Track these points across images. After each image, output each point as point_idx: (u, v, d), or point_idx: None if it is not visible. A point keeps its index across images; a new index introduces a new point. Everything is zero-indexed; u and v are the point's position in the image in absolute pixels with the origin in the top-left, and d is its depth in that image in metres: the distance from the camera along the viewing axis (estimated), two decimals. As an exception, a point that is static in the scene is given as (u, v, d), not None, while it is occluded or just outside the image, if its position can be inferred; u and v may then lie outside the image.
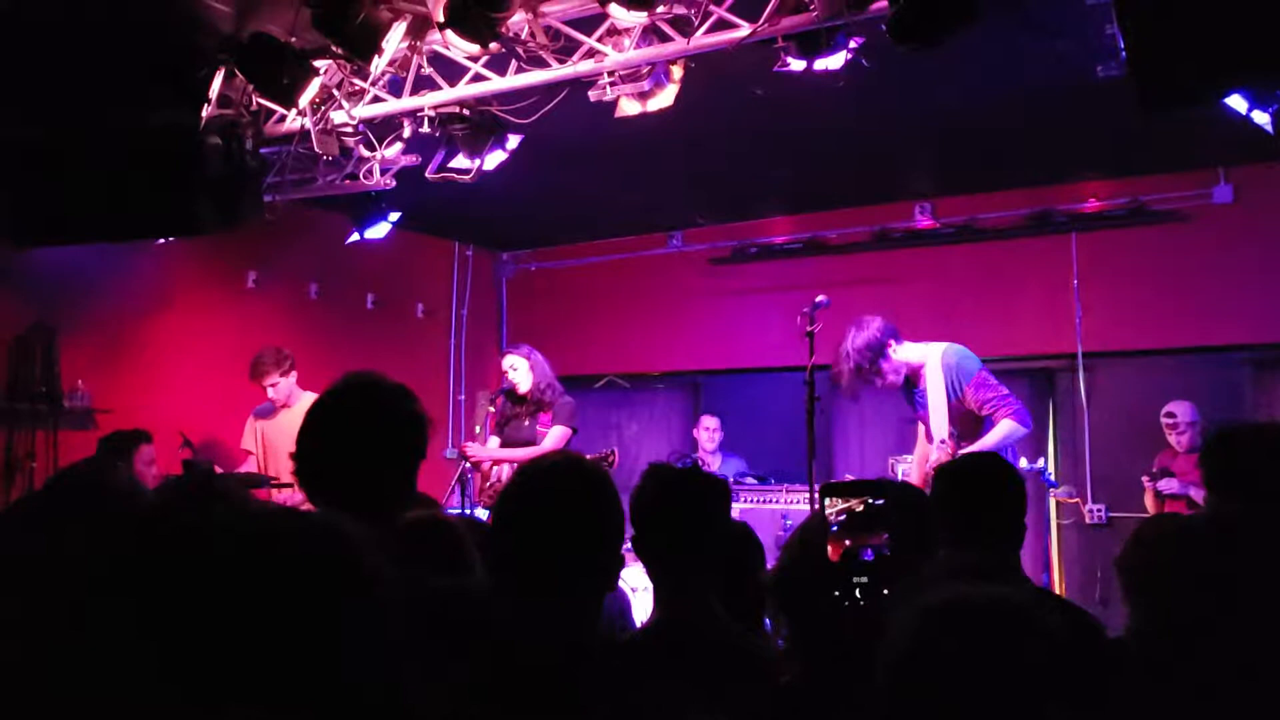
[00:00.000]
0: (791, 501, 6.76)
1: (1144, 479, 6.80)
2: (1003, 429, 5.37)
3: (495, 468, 6.62)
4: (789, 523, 6.68)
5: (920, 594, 1.45)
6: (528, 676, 1.80)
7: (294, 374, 6.68)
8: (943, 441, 5.44)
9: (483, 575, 2.33)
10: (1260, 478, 2.45)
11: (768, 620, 3.10)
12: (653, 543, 2.50)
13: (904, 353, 5.70)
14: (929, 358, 5.64)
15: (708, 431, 8.34)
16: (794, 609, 2.07)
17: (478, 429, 7.00)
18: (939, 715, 1.31)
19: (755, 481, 7.37)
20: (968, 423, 5.54)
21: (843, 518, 1.89)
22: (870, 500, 1.90)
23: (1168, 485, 6.67)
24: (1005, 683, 1.29)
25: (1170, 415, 6.88)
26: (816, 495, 2.16)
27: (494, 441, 6.73)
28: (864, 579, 1.85)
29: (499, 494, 2.10)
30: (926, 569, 2.50)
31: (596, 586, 2.05)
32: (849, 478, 7.43)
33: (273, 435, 6.67)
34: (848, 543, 1.86)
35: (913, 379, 5.73)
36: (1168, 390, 7.12)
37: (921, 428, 5.87)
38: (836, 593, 1.85)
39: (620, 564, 2.08)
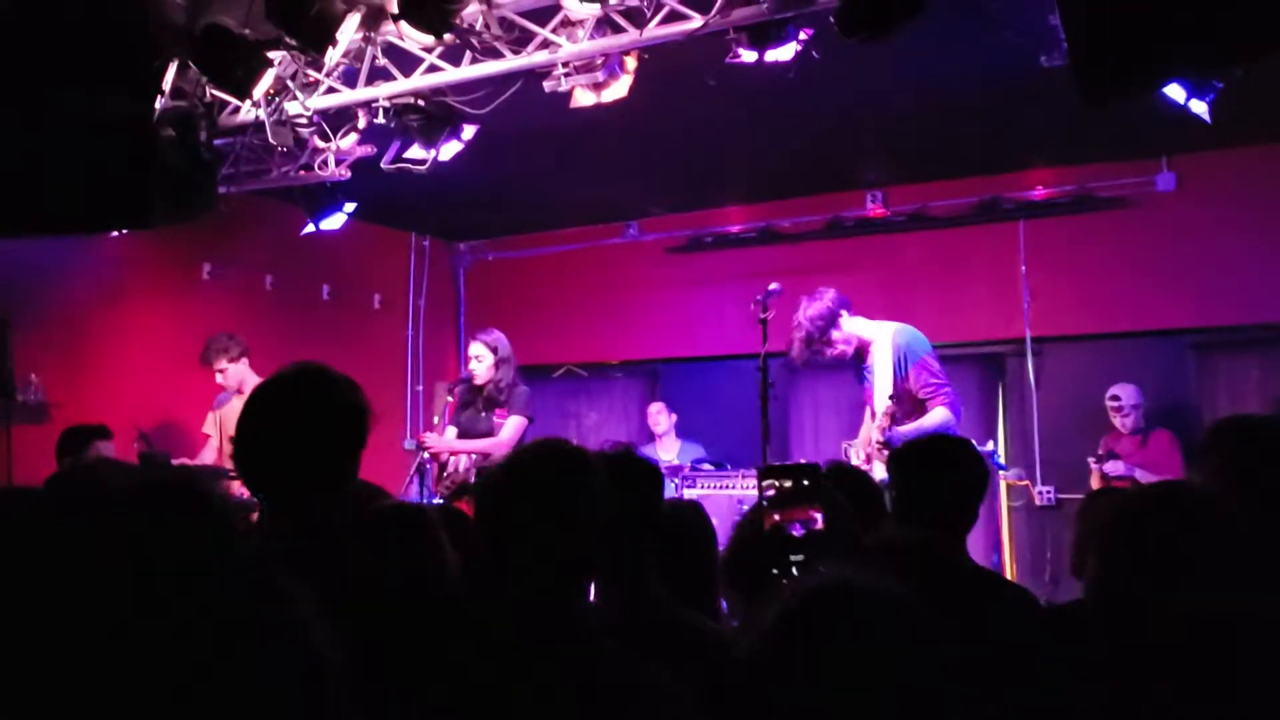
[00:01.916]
0: (748, 487, 6.82)
1: (1090, 461, 6.95)
2: (937, 416, 5.49)
3: (453, 458, 6.64)
4: (745, 508, 6.75)
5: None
6: (523, 669, 1.81)
7: (244, 360, 6.66)
8: (883, 414, 5.53)
9: (453, 562, 2.34)
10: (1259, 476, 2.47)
11: (724, 601, 3.15)
12: None
13: (855, 326, 5.78)
14: (879, 335, 5.74)
15: (653, 416, 8.45)
16: (744, 586, 2.11)
17: (436, 419, 7.00)
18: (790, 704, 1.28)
19: (712, 467, 7.43)
20: (908, 404, 5.66)
21: (770, 494, 1.94)
22: (799, 479, 1.95)
23: (1114, 468, 6.82)
24: (864, 672, 1.25)
25: (1115, 398, 7.03)
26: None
27: (451, 432, 6.74)
28: (799, 557, 1.90)
29: (487, 485, 2.05)
30: (868, 544, 2.56)
31: (588, 573, 2.07)
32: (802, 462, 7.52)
33: (229, 422, 6.66)
34: (776, 518, 1.92)
35: (861, 354, 5.83)
36: (1114, 373, 7.28)
37: (868, 410, 5.98)
38: (774, 570, 1.90)
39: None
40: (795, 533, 1.91)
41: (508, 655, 1.83)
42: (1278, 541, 1.91)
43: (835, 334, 5.71)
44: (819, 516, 1.91)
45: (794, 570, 1.88)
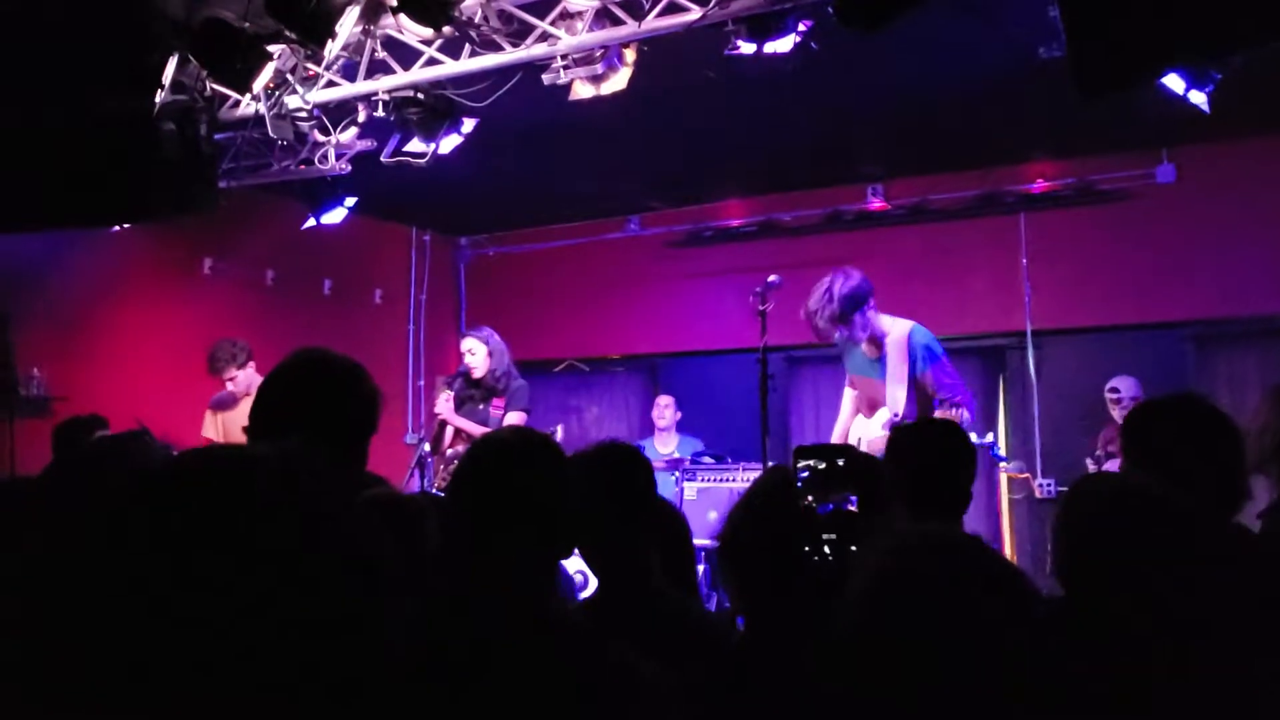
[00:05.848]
0: (748, 480, 6.84)
1: (1088, 462, 6.95)
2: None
3: (451, 451, 6.64)
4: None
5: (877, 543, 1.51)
6: (485, 647, 1.83)
7: (251, 364, 6.65)
8: (895, 415, 5.52)
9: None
10: (1172, 455, 2.50)
11: (707, 587, 3.15)
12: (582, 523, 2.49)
13: (876, 316, 5.75)
14: (895, 330, 5.67)
15: (659, 409, 8.42)
16: (741, 570, 2.12)
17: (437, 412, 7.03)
18: (904, 644, 1.35)
19: (712, 460, 7.45)
20: (920, 402, 5.66)
21: (805, 475, 1.98)
22: (834, 460, 1.99)
23: (1114, 467, 6.82)
24: (966, 609, 1.33)
25: (1114, 390, 7.04)
26: (780, 463, 2.30)
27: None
28: (832, 535, 1.93)
29: (453, 474, 2.09)
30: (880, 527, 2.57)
31: (553, 553, 2.10)
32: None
33: (234, 425, 6.66)
34: (810, 499, 1.94)
35: (877, 343, 5.77)
36: (1114, 366, 7.28)
37: (848, 393, 5.96)
38: (806, 548, 1.92)
39: (573, 532, 2.11)
40: (824, 512, 1.93)
41: (471, 644, 1.84)
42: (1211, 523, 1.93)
43: (860, 317, 5.60)
44: (853, 497, 1.94)
45: (826, 550, 1.90)
